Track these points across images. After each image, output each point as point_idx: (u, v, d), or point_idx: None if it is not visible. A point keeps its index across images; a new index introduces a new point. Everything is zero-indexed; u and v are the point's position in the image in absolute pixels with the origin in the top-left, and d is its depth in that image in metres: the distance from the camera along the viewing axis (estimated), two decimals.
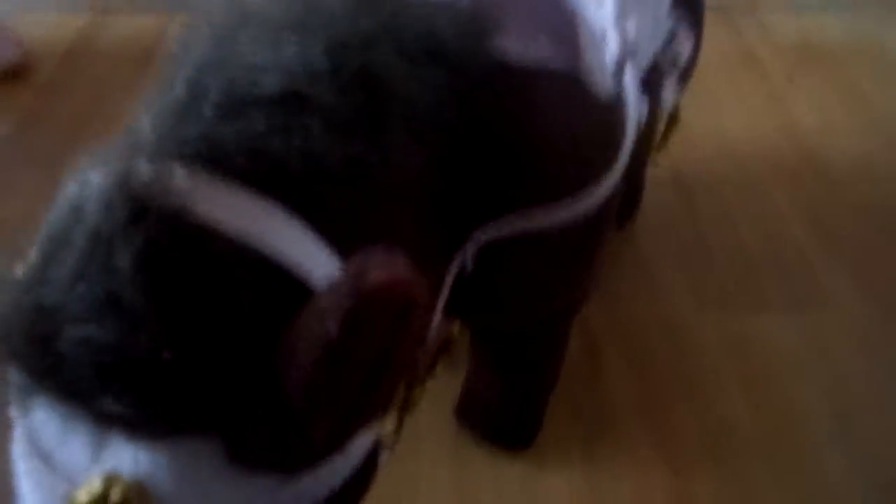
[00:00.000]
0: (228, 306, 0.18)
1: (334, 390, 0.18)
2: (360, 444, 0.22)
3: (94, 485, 0.18)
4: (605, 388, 0.51)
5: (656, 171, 0.59)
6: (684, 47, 0.42)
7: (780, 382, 0.51)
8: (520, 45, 0.30)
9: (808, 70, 0.81)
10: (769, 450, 0.48)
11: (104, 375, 0.17)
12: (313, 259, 0.20)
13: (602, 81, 0.31)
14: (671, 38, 0.41)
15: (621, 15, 0.31)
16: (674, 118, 0.48)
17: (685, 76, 0.46)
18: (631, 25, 0.31)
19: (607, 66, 0.31)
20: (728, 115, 0.76)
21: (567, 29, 0.31)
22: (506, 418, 0.48)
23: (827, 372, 0.52)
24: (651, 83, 0.40)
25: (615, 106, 0.32)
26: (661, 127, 0.45)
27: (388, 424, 0.23)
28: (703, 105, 0.62)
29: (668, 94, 0.43)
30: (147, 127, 0.21)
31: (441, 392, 0.50)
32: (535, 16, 0.31)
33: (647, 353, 0.54)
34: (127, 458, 0.18)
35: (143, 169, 0.19)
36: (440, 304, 0.29)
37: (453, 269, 0.29)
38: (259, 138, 0.20)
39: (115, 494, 0.18)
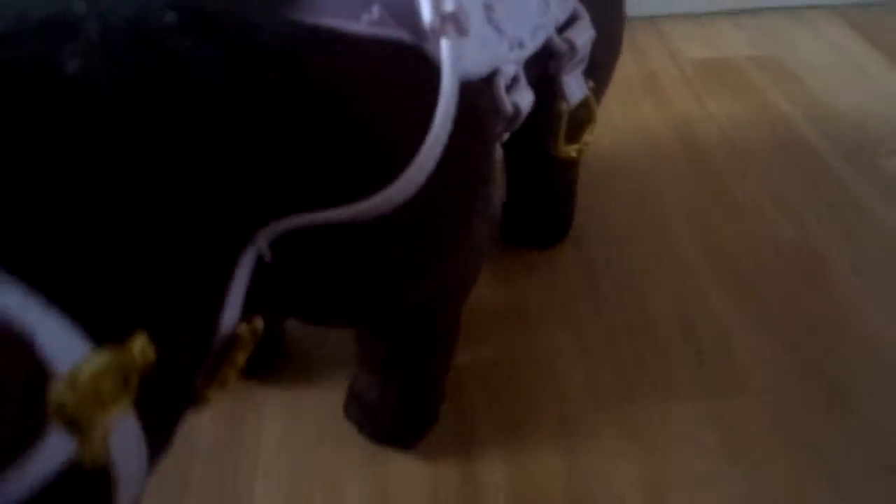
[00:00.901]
0: None
1: None
2: (37, 462, 0.19)
3: None
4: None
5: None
6: (581, 37, 0.40)
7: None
8: (343, 14, 0.26)
9: (714, 87, 0.78)
10: None
11: None
12: None
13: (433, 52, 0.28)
14: (566, 26, 0.40)
15: None
16: (587, 115, 0.46)
17: (593, 72, 0.44)
18: None
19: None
20: (630, 139, 0.69)
21: None
22: (387, 419, 0.43)
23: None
24: (543, 70, 0.39)
25: (431, 80, 0.27)
26: (563, 120, 0.43)
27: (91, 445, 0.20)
28: (602, 130, 0.54)
29: (573, 87, 0.42)
30: None
31: None
32: None
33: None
34: None
35: None
36: (232, 310, 0.25)
37: (243, 266, 0.25)
38: None
39: None
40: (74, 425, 0.19)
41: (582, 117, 0.45)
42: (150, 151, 0.21)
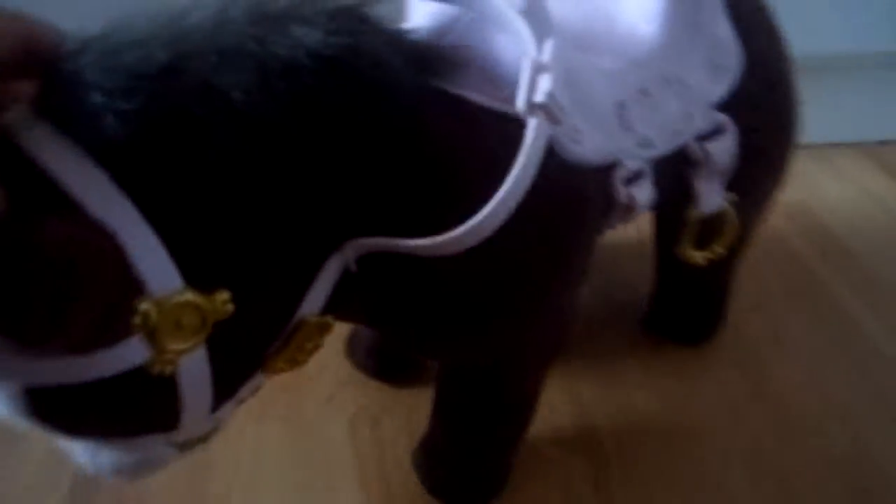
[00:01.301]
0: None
1: (26, 320, 0.22)
2: (116, 357, 0.25)
3: None
4: None
5: None
6: (720, 150, 0.42)
7: None
8: (476, 88, 0.32)
9: None
10: None
11: None
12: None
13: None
14: (709, 136, 0.42)
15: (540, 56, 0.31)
16: (723, 227, 0.46)
17: (740, 187, 0.44)
18: (546, 79, 0.30)
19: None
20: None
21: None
22: (444, 474, 0.47)
23: None
24: (678, 173, 0.42)
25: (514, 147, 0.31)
26: (693, 225, 0.45)
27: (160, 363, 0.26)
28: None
29: (709, 195, 0.43)
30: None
31: None
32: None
33: None
34: None
35: None
36: (312, 303, 0.31)
37: (327, 273, 0.31)
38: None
39: None
40: (153, 338, 0.25)
41: (717, 227, 0.46)
42: (282, 162, 0.28)
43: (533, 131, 0.30)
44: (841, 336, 0.61)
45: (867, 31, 0.81)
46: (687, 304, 0.58)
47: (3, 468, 0.49)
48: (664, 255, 0.55)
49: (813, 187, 0.82)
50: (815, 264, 0.69)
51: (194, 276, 0.26)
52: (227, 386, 0.31)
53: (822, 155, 0.87)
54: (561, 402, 0.54)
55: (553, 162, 0.33)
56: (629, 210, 0.39)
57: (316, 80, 0.27)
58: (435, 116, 0.31)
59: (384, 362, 0.55)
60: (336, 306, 0.32)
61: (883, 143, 0.90)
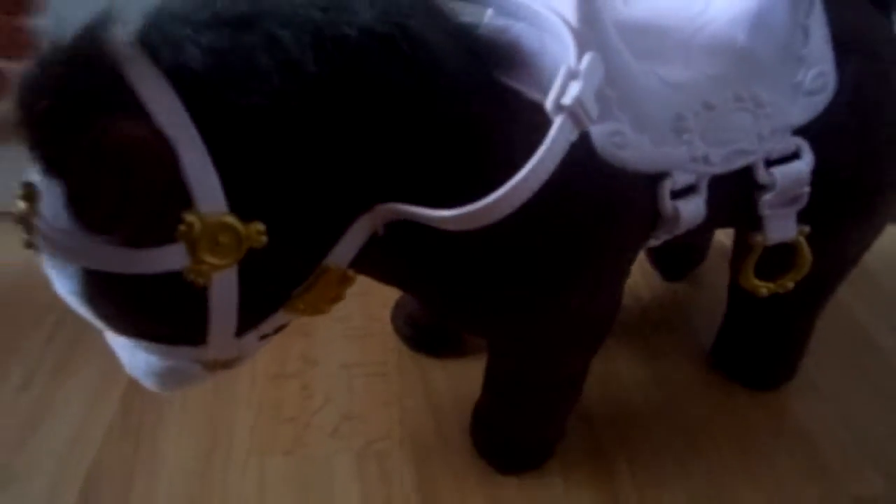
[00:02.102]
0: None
1: (94, 203, 0.27)
2: (160, 257, 0.29)
3: (20, 186, 0.30)
4: None
5: None
6: (789, 176, 0.40)
7: None
8: (526, 82, 0.34)
9: None
10: None
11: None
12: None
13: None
14: (780, 161, 0.40)
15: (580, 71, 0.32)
16: (793, 259, 0.44)
17: (816, 219, 0.42)
18: (576, 86, 0.31)
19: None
20: None
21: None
22: (493, 438, 0.51)
23: None
24: (743, 196, 0.40)
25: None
26: (755, 252, 0.43)
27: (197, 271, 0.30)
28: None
29: (777, 223, 0.42)
30: None
31: None
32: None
33: None
34: (36, 177, 0.29)
35: None
36: (340, 254, 0.34)
37: (357, 230, 0.34)
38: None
39: (22, 188, 0.29)
40: (193, 248, 0.29)
41: (788, 260, 0.44)
42: (325, 117, 0.30)
43: (557, 128, 0.31)
44: (873, 374, 0.58)
45: None
46: (754, 344, 0.55)
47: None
48: (734, 287, 0.53)
49: None
50: (857, 309, 0.66)
51: (237, 203, 0.29)
52: (252, 312, 0.33)
53: None
54: (578, 439, 0.52)
55: (590, 162, 0.35)
56: (674, 222, 0.38)
57: (361, 51, 0.30)
58: (478, 99, 0.33)
59: (420, 332, 0.59)
60: (362, 264, 0.35)
61: None
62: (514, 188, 0.30)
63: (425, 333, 0.58)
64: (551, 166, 0.31)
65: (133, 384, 0.56)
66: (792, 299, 0.48)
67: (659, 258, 0.66)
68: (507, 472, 0.50)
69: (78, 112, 0.26)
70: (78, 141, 0.26)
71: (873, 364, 0.60)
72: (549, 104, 0.32)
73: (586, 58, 0.31)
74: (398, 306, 0.60)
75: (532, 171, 0.30)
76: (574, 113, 0.31)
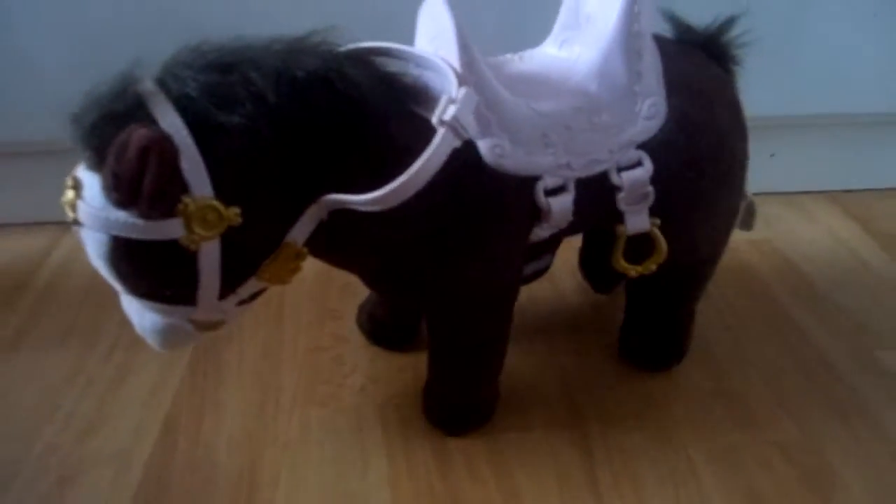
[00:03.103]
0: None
1: (120, 183, 0.38)
2: (164, 227, 0.40)
3: (69, 180, 0.41)
4: None
5: None
6: (633, 179, 0.51)
7: None
8: (431, 110, 0.45)
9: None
10: None
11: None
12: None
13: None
14: (628, 168, 0.51)
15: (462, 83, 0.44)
16: (651, 246, 0.55)
17: (662, 214, 0.54)
18: (452, 108, 0.43)
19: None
20: None
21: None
22: (441, 405, 0.61)
23: None
24: (604, 196, 0.52)
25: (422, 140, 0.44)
26: (621, 240, 0.55)
27: (196, 233, 0.41)
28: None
29: (634, 217, 0.53)
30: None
31: None
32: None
33: None
34: (82, 172, 0.41)
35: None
36: (296, 234, 0.46)
37: (309, 216, 0.45)
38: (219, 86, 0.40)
39: (69, 180, 0.41)
40: (187, 222, 0.40)
41: (647, 247, 0.56)
42: (281, 134, 0.42)
43: (439, 136, 0.43)
44: (796, 349, 0.71)
45: (836, 96, 0.93)
46: (648, 334, 0.67)
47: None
48: (629, 287, 0.66)
49: (785, 229, 0.93)
50: (781, 295, 0.79)
51: (220, 191, 0.40)
52: (231, 278, 0.44)
53: (794, 201, 0.99)
54: (555, 399, 0.65)
55: (478, 167, 0.47)
56: (548, 215, 0.50)
57: (308, 88, 0.42)
58: (394, 122, 0.45)
59: (379, 328, 0.70)
60: (314, 244, 0.47)
61: (847, 191, 1.02)
62: (410, 177, 0.42)
63: (384, 329, 0.70)
64: (437, 163, 0.43)
65: (196, 354, 0.70)
66: (671, 294, 0.62)
67: (588, 274, 0.79)
68: (453, 433, 0.60)
69: (113, 124, 0.38)
70: (112, 140, 0.37)
71: (793, 338, 0.73)
72: (434, 120, 0.44)
73: (462, 90, 0.44)
74: (361, 308, 0.72)
75: (422, 165, 0.42)
76: (452, 126, 0.43)
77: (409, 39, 0.51)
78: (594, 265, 0.78)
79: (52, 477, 0.56)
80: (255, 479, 0.56)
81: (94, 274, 0.44)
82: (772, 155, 0.98)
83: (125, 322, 0.48)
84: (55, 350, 0.70)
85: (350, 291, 0.78)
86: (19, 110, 0.83)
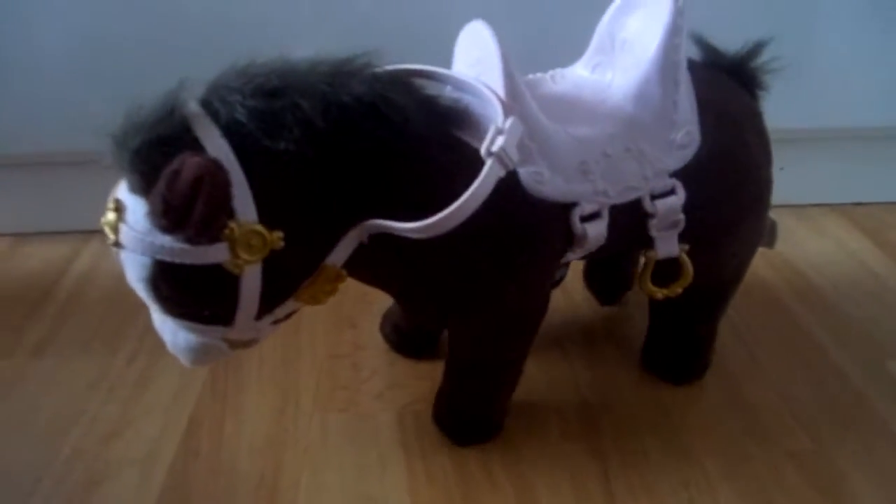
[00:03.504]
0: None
1: (170, 210, 0.37)
2: (209, 252, 0.40)
3: (110, 202, 0.41)
4: None
5: None
6: (667, 207, 0.52)
7: None
8: (477, 137, 0.45)
9: None
10: None
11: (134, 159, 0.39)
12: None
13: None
14: (662, 195, 0.52)
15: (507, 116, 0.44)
16: (678, 270, 0.56)
17: (692, 240, 0.55)
18: (501, 139, 0.43)
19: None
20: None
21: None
22: (453, 414, 0.61)
23: None
24: (637, 222, 0.53)
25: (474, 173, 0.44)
26: (650, 265, 0.56)
27: (240, 262, 0.41)
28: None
29: (664, 243, 0.54)
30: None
31: None
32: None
33: None
34: (124, 194, 0.41)
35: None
36: (336, 256, 0.46)
37: (349, 239, 0.46)
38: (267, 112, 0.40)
39: (112, 202, 0.41)
40: (232, 246, 0.40)
41: (674, 271, 0.57)
42: (328, 160, 0.43)
43: (487, 167, 0.43)
44: (808, 360, 0.72)
45: (846, 109, 0.94)
46: (672, 348, 0.68)
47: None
48: (652, 304, 0.66)
49: (796, 241, 0.94)
50: (793, 306, 0.80)
51: (265, 216, 0.41)
52: (270, 299, 0.45)
53: (804, 213, 1.00)
54: (571, 409, 0.66)
55: (518, 193, 0.47)
56: (583, 240, 0.50)
57: (355, 115, 0.42)
58: (437, 147, 0.45)
59: (403, 338, 0.71)
60: (352, 266, 0.47)
61: (857, 204, 1.03)
62: (458, 207, 0.42)
63: (407, 339, 0.71)
64: (484, 193, 0.42)
65: (217, 361, 0.71)
66: (694, 312, 0.63)
67: (593, 286, 0.79)
68: (461, 443, 0.61)
69: (159, 149, 0.38)
70: (159, 165, 0.37)
71: (805, 349, 0.73)
72: (483, 150, 0.43)
73: (509, 120, 0.43)
74: (385, 318, 0.72)
75: (470, 196, 0.42)
76: (500, 157, 0.43)
77: (422, 55, 0.52)
78: (598, 277, 0.79)
79: (78, 480, 0.58)
80: (276, 482, 0.58)
81: (117, 282, 0.45)
82: (781, 168, 0.99)
83: (147, 329, 0.49)
84: (79, 356, 0.72)
85: (367, 301, 0.79)
86: (40, 122, 0.86)
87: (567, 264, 0.61)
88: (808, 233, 0.96)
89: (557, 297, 0.79)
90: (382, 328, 0.73)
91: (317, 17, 0.80)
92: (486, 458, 0.60)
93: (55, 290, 0.84)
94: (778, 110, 0.77)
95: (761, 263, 0.88)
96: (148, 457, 0.60)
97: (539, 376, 0.69)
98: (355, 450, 0.61)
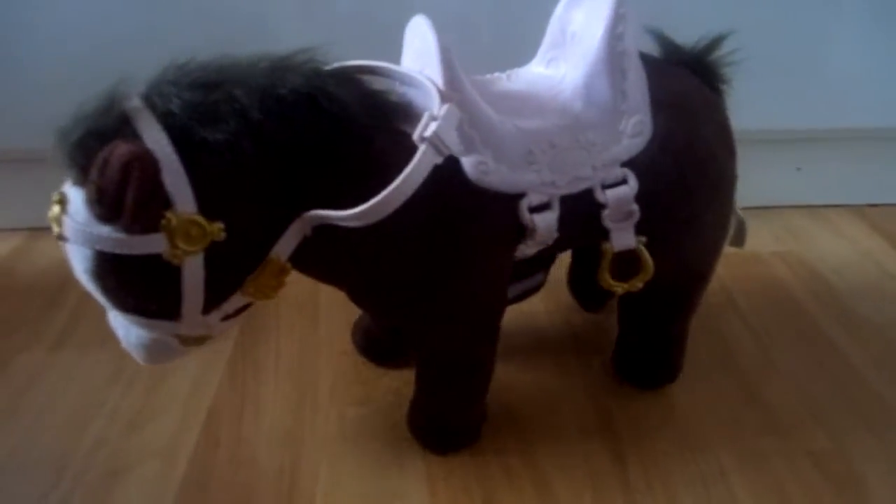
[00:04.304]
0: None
1: (103, 196, 0.39)
2: (148, 242, 0.40)
3: (55, 195, 0.42)
4: None
5: None
6: (618, 197, 0.52)
7: None
8: (414, 125, 0.45)
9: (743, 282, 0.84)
10: None
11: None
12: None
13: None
14: (613, 185, 0.52)
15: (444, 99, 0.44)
16: (638, 261, 0.55)
17: (648, 232, 0.54)
18: (444, 126, 0.43)
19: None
20: None
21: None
22: (427, 422, 0.60)
23: None
24: (591, 213, 0.52)
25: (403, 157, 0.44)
26: (607, 257, 0.55)
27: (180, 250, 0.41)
28: None
29: (620, 235, 0.53)
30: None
31: None
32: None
33: None
34: (68, 188, 0.41)
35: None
36: (280, 249, 0.46)
37: (293, 231, 0.45)
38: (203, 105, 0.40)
39: (56, 196, 0.41)
40: (170, 237, 0.40)
41: (634, 265, 0.55)
42: (266, 151, 0.42)
43: (420, 152, 0.43)
44: (824, 359, 0.72)
45: (863, 110, 0.94)
46: (641, 352, 0.67)
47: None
48: (621, 305, 0.66)
49: (811, 241, 0.94)
50: (808, 305, 0.80)
51: (204, 207, 0.41)
52: (215, 293, 0.45)
53: (819, 214, 1.00)
54: (585, 405, 0.66)
55: (462, 183, 0.47)
56: (533, 232, 0.50)
57: (291, 105, 0.42)
58: (378, 138, 0.45)
59: (371, 344, 0.70)
60: (298, 260, 0.47)
61: (872, 205, 1.03)
62: (391, 192, 0.42)
63: (377, 344, 0.70)
64: (418, 179, 0.42)
65: (235, 354, 0.71)
66: (661, 311, 0.63)
67: (577, 293, 0.79)
68: (437, 451, 0.60)
69: (98, 140, 0.38)
70: (95, 156, 0.38)
71: (821, 348, 0.74)
72: (415, 136, 0.43)
73: (444, 107, 0.43)
74: (355, 326, 0.72)
75: (403, 181, 0.42)
76: (433, 142, 0.43)
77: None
78: (582, 283, 0.78)
79: (100, 471, 0.58)
80: (295, 474, 0.58)
81: None
82: (798, 168, 0.99)
83: None
84: (97, 349, 0.72)
85: None
86: (57, 116, 0.86)
87: (545, 270, 0.61)
88: (823, 233, 0.96)
89: (568, 296, 0.80)
90: (353, 335, 0.72)
91: (317, 17, 0.81)
92: (504, 455, 0.60)
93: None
94: (794, 110, 0.77)
95: (776, 262, 0.88)
96: (168, 448, 0.61)
97: (554, 374, 0.69)
98: (373, 444, 0.61)
